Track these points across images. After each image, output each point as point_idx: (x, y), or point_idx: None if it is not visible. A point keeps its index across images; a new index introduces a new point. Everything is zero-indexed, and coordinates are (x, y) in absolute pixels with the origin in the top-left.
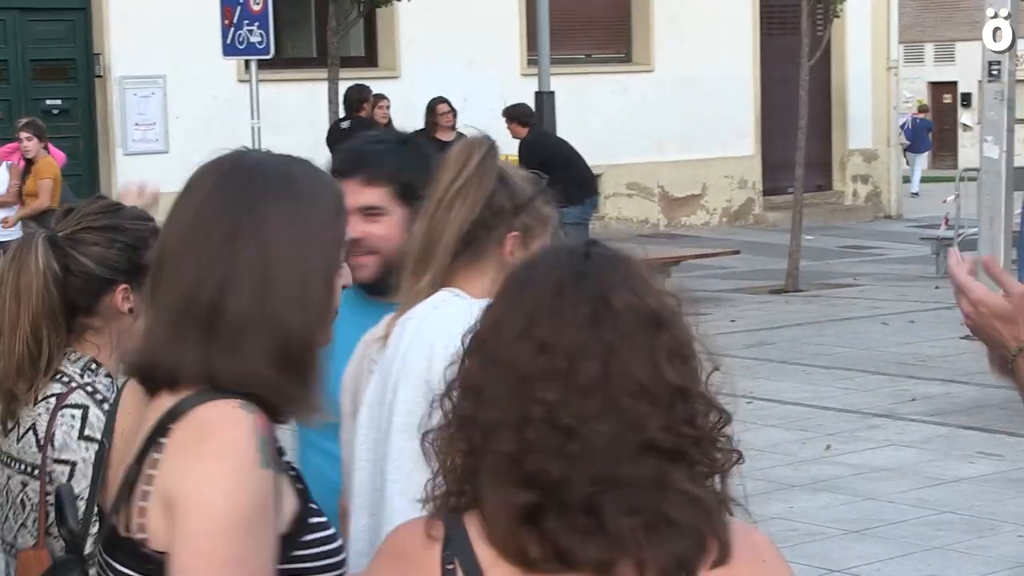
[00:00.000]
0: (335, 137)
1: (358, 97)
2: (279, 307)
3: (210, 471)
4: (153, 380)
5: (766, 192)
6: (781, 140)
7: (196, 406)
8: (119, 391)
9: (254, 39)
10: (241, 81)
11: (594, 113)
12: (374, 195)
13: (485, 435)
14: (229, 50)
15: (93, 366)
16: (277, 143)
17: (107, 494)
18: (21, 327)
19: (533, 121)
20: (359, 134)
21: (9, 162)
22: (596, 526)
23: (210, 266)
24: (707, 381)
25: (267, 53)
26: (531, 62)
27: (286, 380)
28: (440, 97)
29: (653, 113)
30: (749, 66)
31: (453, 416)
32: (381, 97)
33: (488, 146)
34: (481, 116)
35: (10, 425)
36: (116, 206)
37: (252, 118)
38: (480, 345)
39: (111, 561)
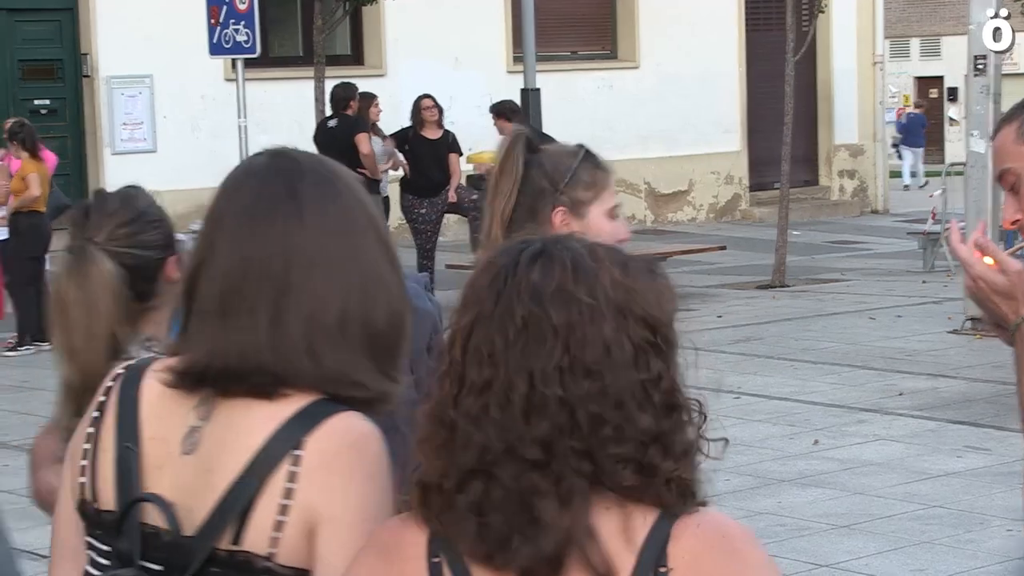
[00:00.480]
0: (322, 135)
1: (344, 95)
2: (399, 307)
3: (365, 490)
4: (252, 385)
5: (752, 188)
6: (767, 136)
7: (326, 418)
8: (124, 387)
9: (240, 38)
10: (228, 80)
11: (580, 110)
12: None
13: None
14: (216, 49)
15: (148, 343)
16: (264, 141)
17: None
18: (97, 339)
19: (519, 117)
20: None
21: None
22: (477, 516)
23: (346, 273)
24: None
25: (253, 52)
26: (516, 59)
27: (398, 379)
28: (425, 94)
29: (639, 110)
30: (734, 62)
31: None
32: (372, 96)
33: (515, 136)
34: (467, 113)
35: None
36: (127, 195)
37: (239, 117)
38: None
39: None
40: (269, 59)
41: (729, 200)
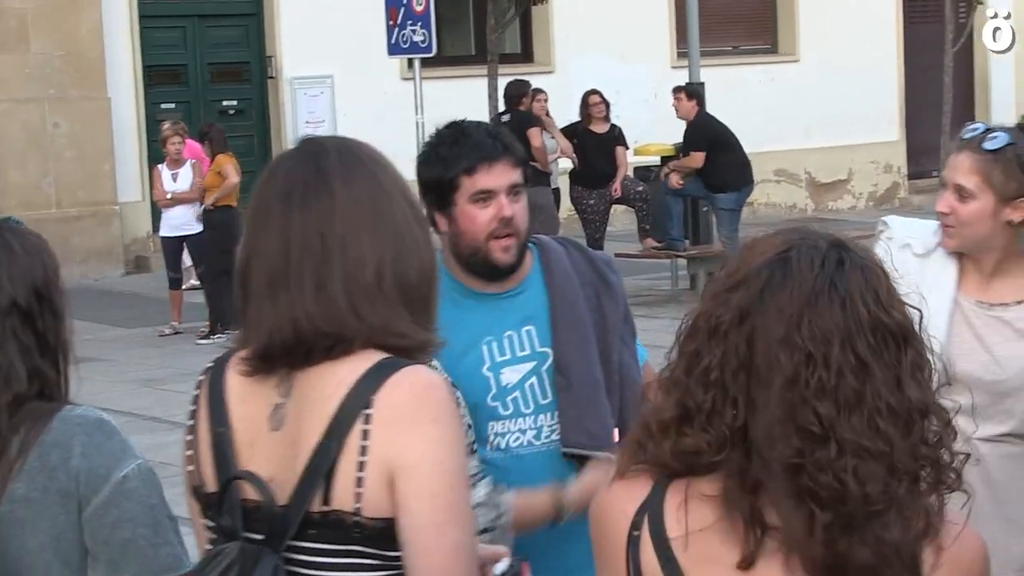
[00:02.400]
0: None
1: (517, 92)
2: (428, 262)
3: (433, 434)
4: (316, 350)
5: (911, 176)
6: (925, 125)
7: (390, 375)
8: (212, 377)
9: (417, 38)
10: (404, 79)
11: (742, 102)
12: (517, 175)
13: (736, 433)
14: (394, 49)
15: None
16: None
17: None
18: None
19: (702, 102)
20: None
21: (193, 160)
22: (872, 538)
23: (377, 234)
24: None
25: (430, 52)
26: (681, 55)
27: (433, 328)
28: (593, 90)
29: (799, 101)
30: (893, 54)
31: (688, 402)
32: (539, 91)
33: None
34: (633, 107)
35: None
36: None
37: (416, 113)
38: (723, 332)
39: (300, 543)
40: (443, 58)
41: (888, 188)
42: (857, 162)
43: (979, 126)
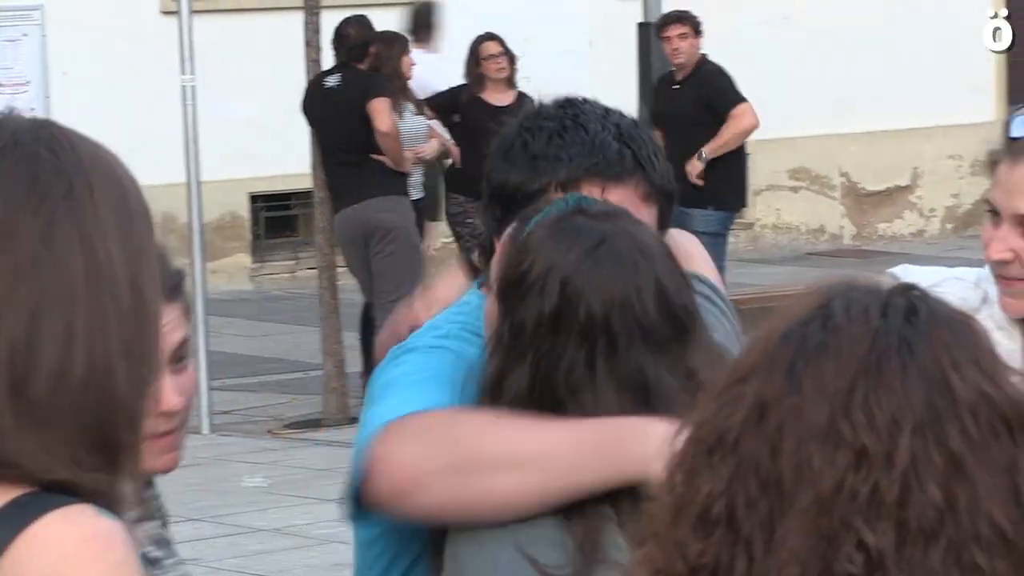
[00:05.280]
0: (316, 101)
1: (356, 36)
2: (103, 361)
3: None
4: None
5: None
6: None
7: (25, 526)
8: None
9: None
10: (166, 13)
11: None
12: (650, 212)
13: None
14: None
15: None
16: (225, 113)
17: None
18: None
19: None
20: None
21: None
22: None
23: (11, 309)
24: None
25: None
26: None
27: (113, 467)
28: (488, 34)
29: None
30: None
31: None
32: (406, 41)
33: None
34: (554, 62)
35: None
36: None
37: (183, 72)
38: (732, 440)
39: None
40: None
41: (978, 202)
42: (927, 157)
43: None
